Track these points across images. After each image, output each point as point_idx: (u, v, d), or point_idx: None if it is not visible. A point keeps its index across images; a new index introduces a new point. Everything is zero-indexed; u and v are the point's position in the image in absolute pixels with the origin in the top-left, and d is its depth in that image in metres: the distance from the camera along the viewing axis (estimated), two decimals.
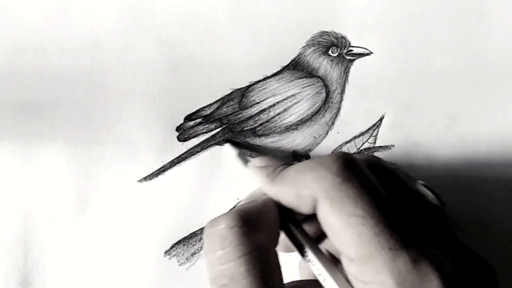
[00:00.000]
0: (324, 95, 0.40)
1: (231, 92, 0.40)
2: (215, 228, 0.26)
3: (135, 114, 0.40)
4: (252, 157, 0.38)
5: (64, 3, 0.40)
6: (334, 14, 0.40)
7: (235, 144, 0.39)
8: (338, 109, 0.40)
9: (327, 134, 0.40)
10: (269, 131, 0.40)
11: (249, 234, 0.25)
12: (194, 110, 0.40)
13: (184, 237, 0.40)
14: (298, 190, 0.27)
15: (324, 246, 0.33)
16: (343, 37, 0.40)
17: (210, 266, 0.26)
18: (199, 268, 0.40)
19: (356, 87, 0.40)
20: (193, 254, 0.40)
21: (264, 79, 0.40)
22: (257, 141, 0.40)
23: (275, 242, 0.28)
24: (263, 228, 0.26)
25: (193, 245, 0.40)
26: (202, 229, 0.40)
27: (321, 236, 0.31)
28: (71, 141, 0.40)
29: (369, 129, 0.40)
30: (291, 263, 0.38)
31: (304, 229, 0.29)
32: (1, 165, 0.40)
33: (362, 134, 0.40)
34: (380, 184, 0.27)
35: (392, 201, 0.26)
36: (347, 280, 0.27)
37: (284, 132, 0.40)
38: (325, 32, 0.40)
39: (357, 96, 0.40)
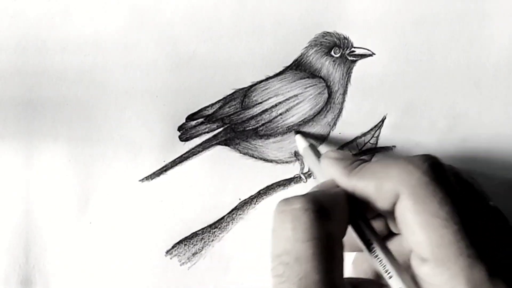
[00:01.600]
0: (326, 95, 0.40)
1: (233, 92, 0.40)
2: (289, 207, 0.26)
3: (137, 113, 0.40)
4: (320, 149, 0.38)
5: (67, 2, 0.40)
6: (337, 14, 0.40)
7: (305, 135, 0.39)
8: (340, 109, 0.40)
9: (329, 134, 0.40)
10: (271, 132, 0.40)
11: (321, 220, 0.25)
12: (196, 110, 0.40)
13: (186, 237, 0.40)
14: (380, 183, 0.27)
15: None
16: (345, 38, 0.40)
17: (276, 242, 0.26)
18: (200, 268, 0.40)
19: (358, 88, 0.40)
20: (194, 254, 0.40)
21: (267, 79, 0.40)
22: (259, 141, 0.40)
23: (343, 235, 0.28)
24: (334, 218, 0.26)
25: (194, 245, 0.40)
26: (203, 229, 0.40)
27: (386, 237, 0.32)
28: (73, 140, 0.40)
29: (371, 129, 0.40)
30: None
31: (372, 226, 0.29)
32: (3, 164, 0.40)
33: (364, 134, 0.40)
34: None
35: (472, 213, 0.26)
36: (414, 281, 0.27)
37: (286, 133, 0.40)
38: (328, 32, 0.40)
39: (359, 97, 0.40)
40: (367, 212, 0.29)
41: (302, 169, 0.40)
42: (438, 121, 0.40)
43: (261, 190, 0.40)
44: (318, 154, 0.36)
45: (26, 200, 0.40)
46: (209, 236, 0.40)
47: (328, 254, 0.25)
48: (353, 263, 0.36)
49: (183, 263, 0.40)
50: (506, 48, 0.40)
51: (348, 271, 0.36)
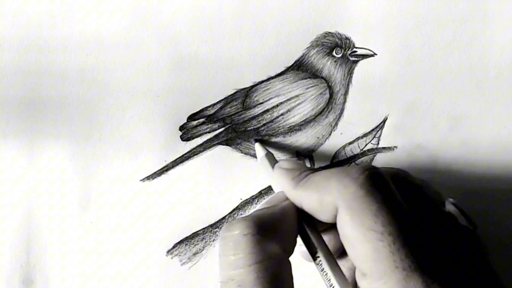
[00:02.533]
0: (327, 96, 0.40)
1: (235, 92, 0.40)
2: (230, 233, 0.26)
3: (139, 113, 0.40)
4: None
5: (68, 1, 0.40)
6: (339, 15, 0.40)
7: (264, 143, 0.39)
8: (342, 110, 0.40)
9: (330, 135, 0.40)
10: (273, 132, 0.40)
11: (262, 242, 0.25)
12: (197, 110, 0.40)
13: (187, 237, 0.40)
14: (321, 196, 0.26)
15: (345, 261, 0.32)
16: (347, 38, 0.40)
17: (221, 269, 0.26)
18: (201, 268, 0.40)
19: (360, 88, 0.40)
20: (195, 254, 0.40)
21: (268, 79, 0.40)
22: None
23: (290, 251, 0.28)
24: (278, 237, 0.26)
25: (195, 245, 0.40)
26: (204, 229, 0.40)
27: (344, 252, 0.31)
28: (75, 139, 0.40)
29: (373, 130, 0.40)
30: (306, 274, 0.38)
31: (321, 237, 0.29)
32: (5, 163, 0.40)
33: (365, 135, 0.40)
34: (405, 200, 0.26)
35: (414, 220, 0.26)
36: None
37: (287, 133, 0.40)
38: (329, 33, 0.40)
39: (360, 97, 0.40)
40: (318, 224, 0.29)
41: None
42: (439, 122, 0.40)
43: (262, 190, 0.40)
44: (274, 164, 0.35)
45: (28, 200, 0.40)
46: (210, 236, 0.40)
47: (272, 276, 0.25)
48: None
49: (184, 263, 0.40)
50: (508, 49, 0.40)
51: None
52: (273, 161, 0.36)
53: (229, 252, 0.25)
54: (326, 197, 0.26)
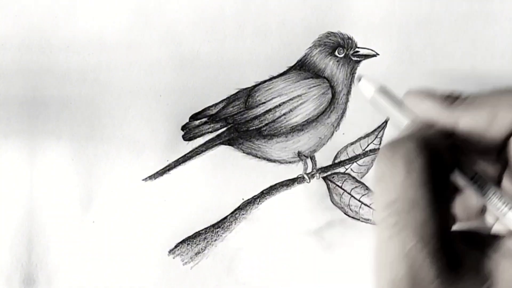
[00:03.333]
0: (330, 96, 0.40)
1: (237, 92, 0.40)
2: (401, 150, 0.23)
3: (141, 112, 0.40)
4: None
5: (71, 1, 0.40)
6: (341, 15, 0.40)
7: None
8: (344, 110, 0.40)
9: (332, 134, 0.40)
10: (275, 131, 0.40)
11: (437, 164, 0.23)
12: (199, 110, 0.40)
13: (188, 237, 0.40)
14: (494, 111, 0.25)
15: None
16: (349, 38, 0.40)
17: (386, 190, 0.23)
18: (202, 268, 0.40)
19: None
20: (197, 254, 0.40)
21: (270, 79, 0.40)
22: (262, 141, 0.40)
23: (450, 181, 0.26)
24: (445, 163, 0.24)
25: (197, 244, 0.40)
26: (206, 228, 0.40)
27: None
28: (77, 139, 0.40)
29: (375, 130, 0.40)
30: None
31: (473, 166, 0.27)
32: (7, 162, 0.40)
33: (367, 135, 0.40)
34: None
35: None
36: None
37: (289, 133, 0.40)
38: (332, 33, 0.40)
39: (362, 97, 0.40)
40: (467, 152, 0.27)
41: (305, 169, 0.40)
42: None
43: (264, 190, 0.40)
44: (393, 97, 0.30)
45: (29, 199, 0.40)
46: (212, 235, 0.40)
47: (445, 199, 0.23)
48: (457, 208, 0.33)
49: (185, 262, 0.40)
50: (509, 49, 0.40)
51: None
52: (389, 93, 0.31)
53: (399, 169, 0.23)
54: (501, 111, 0.25)
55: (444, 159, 0.24)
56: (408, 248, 0.22)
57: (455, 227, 0.29)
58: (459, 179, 0.27)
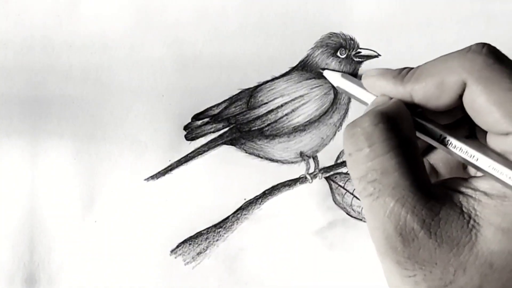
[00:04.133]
0: (332, 96, 0.40)
1: (239, 92, 0.40)
2: (359, 128, 0.26)
3: (143, 112, 0.40)
4: None
5: (73, 0, 0.40)
6: (343, 16, 0.40)
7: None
8: (346, 110, 0.40)
9: (334, 135, 0.40)
10: (277, 132, 0.40)
11: (394, 129, 0.26)
12: (202, 110, 0.40)
13: (190, 236, 0.40)
14: (441, 78, 0.27)
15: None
16: (351, 39, 0.40)
17: (356, 165, 0.26)
18: (204, 268, 0.40)
19: None
20: (199, 254, 0.40)
21: (273, 79, 0.40)
22: (265, 141, 0.40)
23: (415, 141, 0.28)
24: (404, 127, 0.27)
25: (199, 244, 0.40)
26: (208, 228, 0.40)
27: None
28: (78, 138, 0.40)
29: None
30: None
31: (436, 122, 0.29)
32: (8, 161, 0.40)
33: None
34: None
35: None
36: (499, 154, 0.27)
37: (291, 133, 0.40)
38: (334, 33, 0.40)
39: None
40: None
41: (307, 169, 0.40)
42: None
43: (266, 190, 0.40)
44: (354, 80, 0.36)
45: (31, 198, 0.40)
46: (213, 235, 0.40)
47: (411, 158, 0.26)
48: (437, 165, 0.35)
49: (187, 262, 0.40)
50: (511, 51, 0.40)
51: None
52: (350, 77, 0.37)
53: (362, 145, 0.26)
54: (448, 77, 0.27)
55: (404, 124, 0.27)
56: (389, 210, 0.25)
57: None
58: (423, 138, 0.29)
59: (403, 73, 0.29)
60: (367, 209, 0.26)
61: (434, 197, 0.25)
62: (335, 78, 0.37)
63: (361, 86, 0.33)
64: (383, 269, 0.26)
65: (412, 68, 0.29)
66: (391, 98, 0.29)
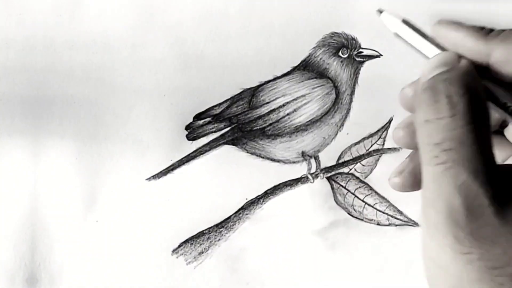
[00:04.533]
0: (334, 96, 0.40)
1: (241, 92, 0.40)
2: (444, 95, 0.25)
3: (145, 112, 0.40)
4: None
5: (75, 0, 0.40)
6: (345, 15, 0.40)
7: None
8: (348, 110, 0.40)
9: (336, 135, 0.40)
10: (279, 131, 0.40)
11: (477, 101, 0.25)
12: (203, 109, 0.40)
13: (192, 236, 0.40)
14: None
15: None
16: (353, 39, 0.40)
17: (433, 132, 0.25)
18: (206, 268, 0.40)
19: (366, 89, 0.40)
20: (200, 253, 0.40)
21: (274, 79, 0.40)
22: (266, 141, 0.40)
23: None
24: (483, 97, 0.26)
25: (200, 244, 0.40)
26: (209, 228, 0.40)
27: None
28: (80, 138, 0.40)
29: (378, 130, 0.40)
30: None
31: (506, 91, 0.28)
32: (10, 161, 0.40)
33: (371, 135, 0.40)
34: None
35: None
36: None
37: (293, 133, 0.40)
38: (336, 33, 0.40)
39: (366, 97, 0.40)
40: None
41: (309, 169, 0.40)
42: None
43: (268, 190, 0.40)
44: (416, 28, 0.31)
45: (33, 198, 0.40)
46: (215, 235, 0.40)
47: (488, 135, 0.25)
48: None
49: (189, 262, 0.40)
50: None
51: None
52: (413, 24, 0.33)
53: (446, 114, 0.25)
54: None
55: (481, 95, 0.26)
56: (461, 181, 0.24)
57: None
58: (495, 111, 0.27)
59: (486, 29, 0.27)
60: (432, 179, 0.25)
61: (504, 175, 0.25)
62: (394, 24, 0.32)
63: (425, 36, 0.30)
64: (430, 244, 0.25)
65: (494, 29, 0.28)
66: (459, 57, 0.27)
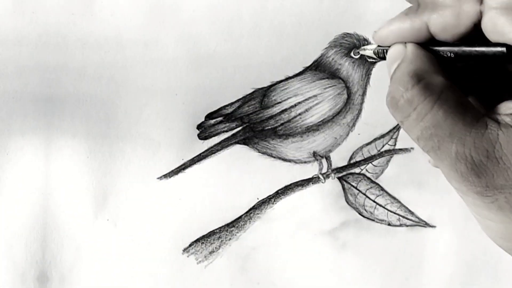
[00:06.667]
0: (345, 96, 0.40)
1: (253, 91, 0.40)
2: (397, 97, 0.27)
3: (156, 111, 0.40)
4: None
5: None
6: (357, 16, 0.40)
7: None
8: (359, 110, 0.40)
9: (347, 135, 0.40)
10: (290, 131, 0.40)
11: (428, 83, 0.27)
12: (215, 109, 0.40)
13: (203, 235, 0.40)
14: (458, 5, 0.27)
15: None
16: (365, 39, 0.40)
17: (410, 129, 0.27)
18: (216, 267, 0.40)
19: (378, 89, 0.40)
20: (211, 253, 0.40)
21: (286, 79, 0.40)
22: (278, 141, 0.40)
23: (447, 77, 0.28)
24: (433, 72, 0.27)
25: (211, 243, 0.40)
26: (221, 228, 0.40)
27: None
28: (92, 137, 0.40)
29: (390, 131, 0.40)
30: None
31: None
32: (22, 159, 0.40)
33: (382, 136, 0.40)
34: None
35: None
36: None
37: (305, 133, 0.40)
38: (348, 33, 0.40)
39: (378, 98, 0.40)
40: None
41: (320, 169, 0.40)
42: None
43: (279, 190, 0.40)
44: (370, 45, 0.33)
45: (44, 196, 0.40)
46: (226, 235, 0.40)
47: (454, 99, 0.26)
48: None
49: (200, 261, 0.40)
50: None
51: None
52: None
53: (408, 111, 0.27)
54: (465, 6, 0.27)
55: (432, 68, 0.28)
56: (454, 153, 0.26)
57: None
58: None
59: (412, 7, 0.29)
60: (437, 162, 0.27)
61: (487, 123, 0.26)
62: (368, 52, 0.34)
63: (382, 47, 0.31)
64: (470, 206, 0.28)
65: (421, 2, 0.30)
66: (404, 44, 0.29)
